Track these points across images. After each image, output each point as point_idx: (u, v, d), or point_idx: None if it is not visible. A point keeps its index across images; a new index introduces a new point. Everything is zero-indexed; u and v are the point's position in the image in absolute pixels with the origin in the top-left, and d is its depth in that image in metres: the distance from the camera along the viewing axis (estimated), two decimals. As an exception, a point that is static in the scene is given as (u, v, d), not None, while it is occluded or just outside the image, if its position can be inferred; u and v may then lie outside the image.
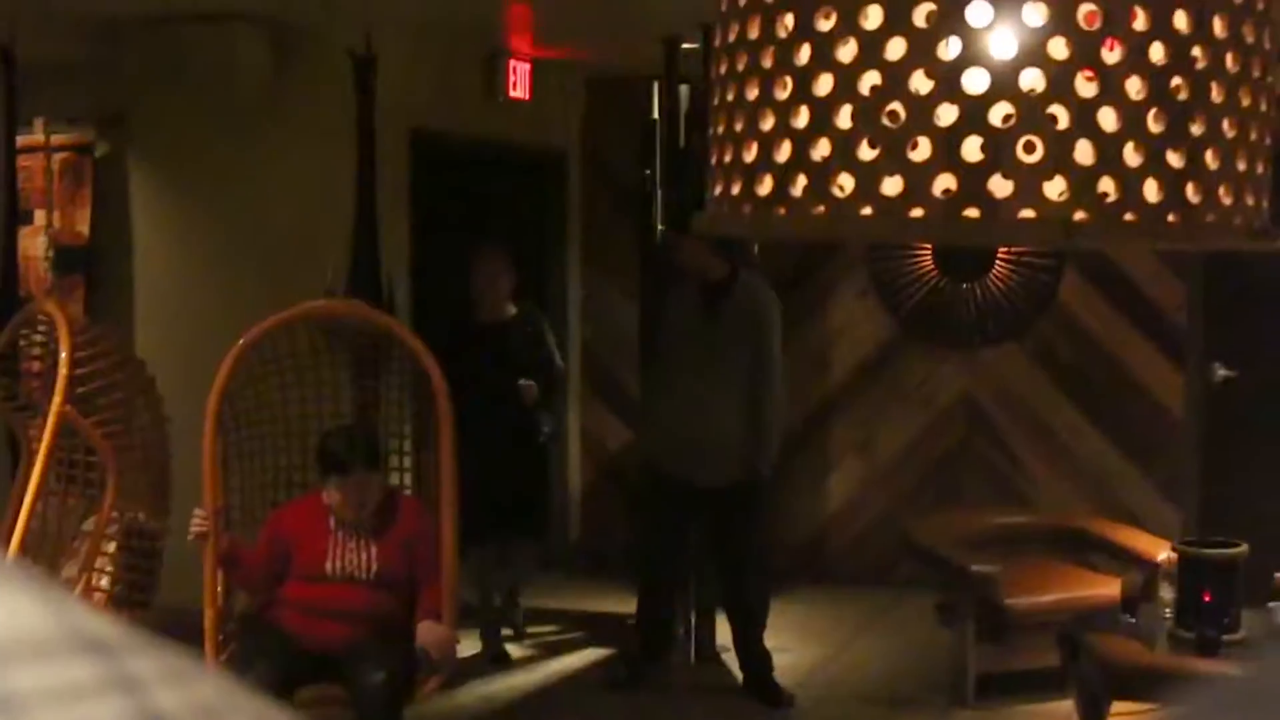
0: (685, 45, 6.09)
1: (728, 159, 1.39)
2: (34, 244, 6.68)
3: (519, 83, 7.12)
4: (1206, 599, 4.61)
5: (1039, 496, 7.29)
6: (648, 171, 6.83)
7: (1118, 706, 4.83)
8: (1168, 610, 4.68)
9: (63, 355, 4.59)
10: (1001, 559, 5.72)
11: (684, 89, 6.42)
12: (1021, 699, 5.48)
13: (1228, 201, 1.29)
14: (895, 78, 1.22)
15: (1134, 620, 4.78)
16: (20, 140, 6.08)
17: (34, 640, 0.36)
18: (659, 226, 6.74)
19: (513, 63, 7.05)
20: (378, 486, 4.61)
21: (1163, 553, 5.11)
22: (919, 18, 1.21)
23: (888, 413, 7.61)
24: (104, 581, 4.77)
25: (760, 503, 5.77)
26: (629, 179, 7.34)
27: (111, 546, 4.81)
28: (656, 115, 6.72)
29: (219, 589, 4.61)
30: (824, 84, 1.27)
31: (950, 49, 1.21)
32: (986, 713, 5.44)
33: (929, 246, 7.26)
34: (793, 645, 6.19)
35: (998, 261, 7.27)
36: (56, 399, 4.55)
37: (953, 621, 5.78)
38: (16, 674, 0.35)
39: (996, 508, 7.01)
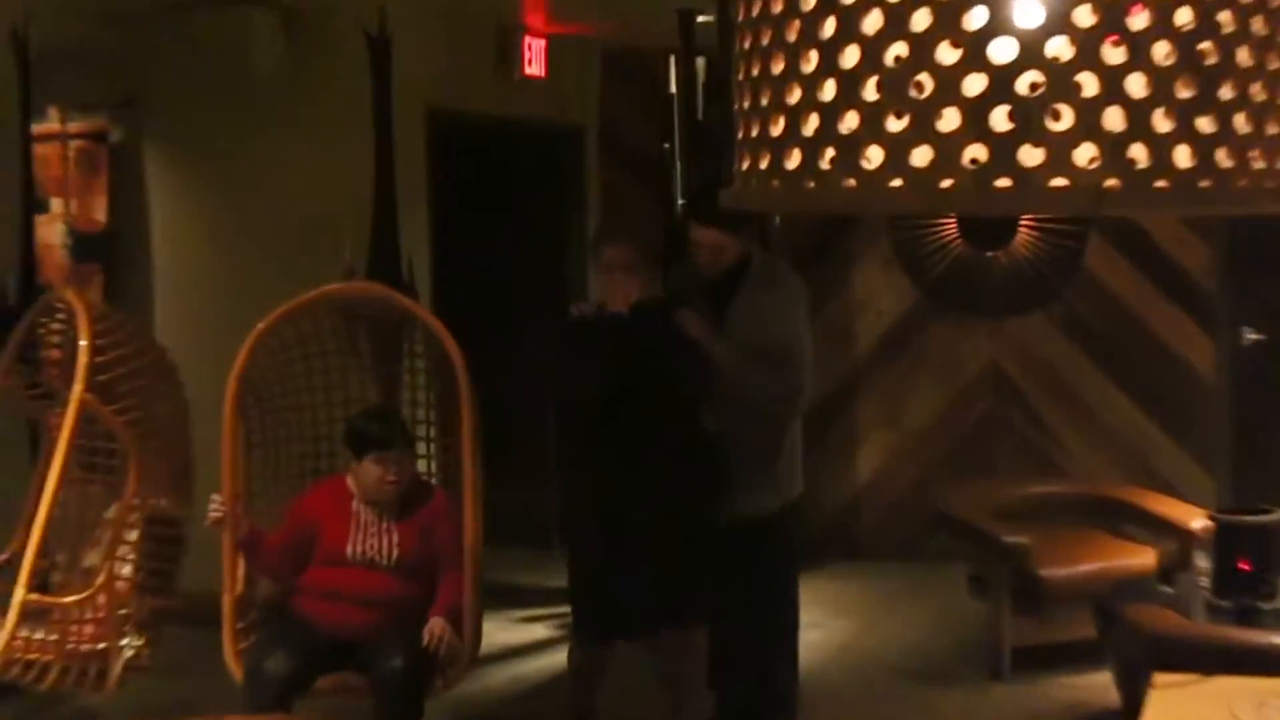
0: (701, 18, 5.97)
1: (754, 133, 1.36)
2: (52, 231, 6.60)
3: (534, 59, 7.13)
4: (1243, 567, 4.45)
5: (1071, 466, 7.14)
6: (666, 145, 6.76)
7: (1156, 678, 4.67)
8: (1204, 579, 4.52)
9: (82, 343, 4.51)
10: (1035, 529, 5.60)
11: (700, 61, 6.32)
12: (1058, 671, 5.37)
13: (1260, 165, 1.26)
14: (921, 48, 1.21)
15: (1170, 590, 4.64)
16: (36, 129, 5.98)
17: None
18: (679, 199, 6.64)
19: (528, 39, 7.05)
20: (411, 466, 4.55)
21: (1198, 521, 4.95)
22: (944, -12, 1.15)
23: (914, 384, 7.45)
24: (126, 570, 4.72)
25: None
26: (647, 153, 7.24)
27: (134, 534, 4.77)
28: (674, 89, 6.64)
29: (239, 575, 4.51)
30: (850, 56, 1.26)
31: (975, 18, 1.20)
32: (1023, 686, 5.30)
33: (953, 216, 7.12)
34: (825, 620, 6.09)
35: (1021, 229, 7.10)
36: (77, 386, 4.48)
37: (986, 594, 5.67)
38: None
39: (1028, 477, 6.87)
